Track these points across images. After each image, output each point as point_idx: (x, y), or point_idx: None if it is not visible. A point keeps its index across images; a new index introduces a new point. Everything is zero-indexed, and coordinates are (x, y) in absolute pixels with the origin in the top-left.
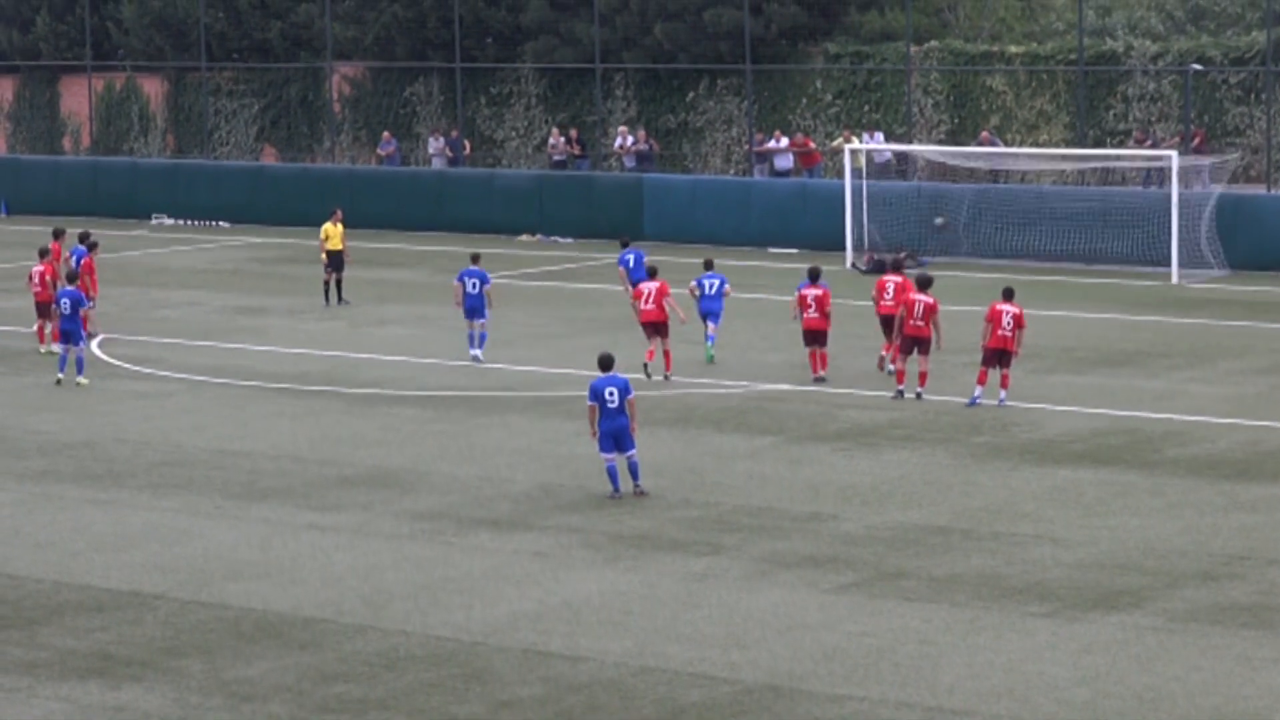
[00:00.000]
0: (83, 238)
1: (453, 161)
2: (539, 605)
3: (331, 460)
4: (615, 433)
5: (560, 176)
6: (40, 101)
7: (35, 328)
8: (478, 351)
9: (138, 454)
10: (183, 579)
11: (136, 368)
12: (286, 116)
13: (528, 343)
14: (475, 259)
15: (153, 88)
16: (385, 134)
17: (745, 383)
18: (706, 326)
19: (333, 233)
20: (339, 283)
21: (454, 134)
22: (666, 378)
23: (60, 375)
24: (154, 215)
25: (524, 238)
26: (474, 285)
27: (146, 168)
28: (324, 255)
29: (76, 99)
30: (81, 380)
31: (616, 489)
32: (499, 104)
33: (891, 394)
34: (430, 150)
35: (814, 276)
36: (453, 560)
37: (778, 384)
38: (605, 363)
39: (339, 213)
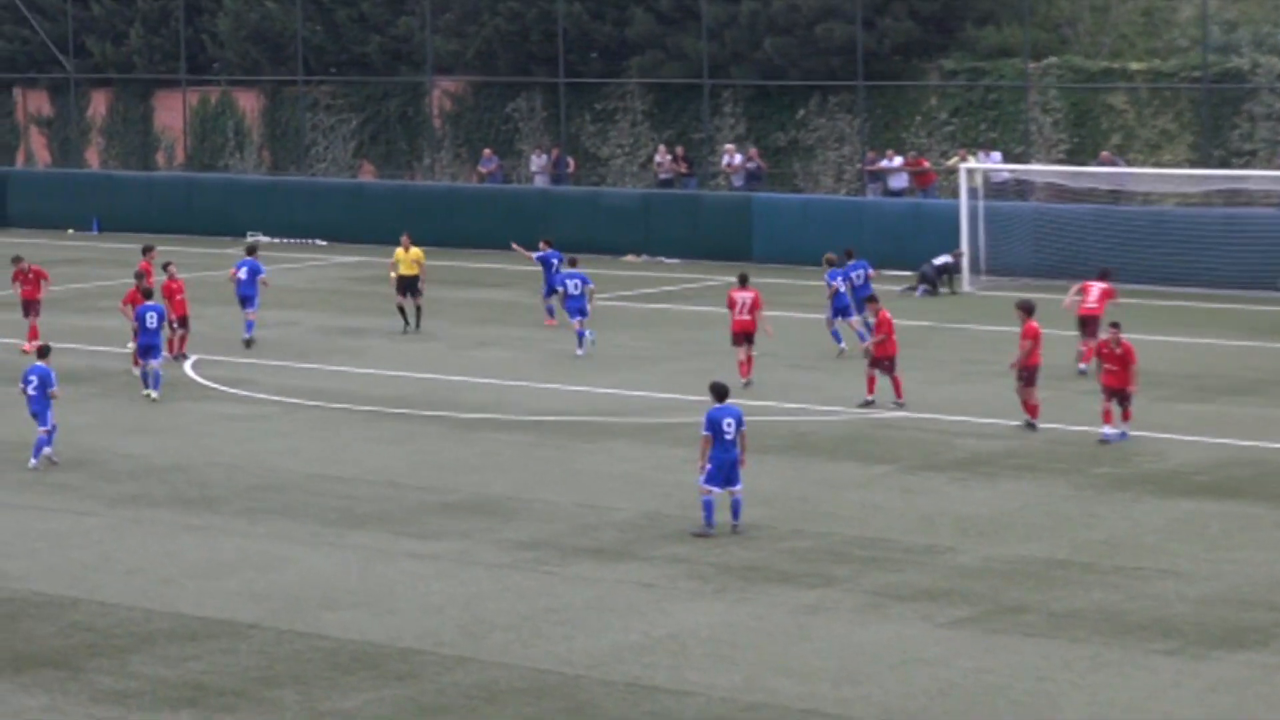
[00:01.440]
0: (251, 249)
1: (556, 179)
2: (644, 637)
3: (431, 486)
4: (727, 466)
5: (666, 195)
6: (134, 116)
7: (131, 349)
8: (583, 350)
9: (231, 478)
10: (277, 607)
11: (231, 389)
12: (385, 132)
13: (632, 366)
14: (573, 262)
15: (248, 102)
16: (486, 151)
17: (858, 409)
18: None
19: (403, 258)
20: (417, 309)
21: (557, 151)
22: (746, 384)
23: (146, 391)
24: (249, 233)
25: (629, 258)
26: (576, 286)
27: (242, 184)
28: (393, 278)
29: (171, 113)
30: (153, 394)
31: (710, 525)
32: (604, 120)
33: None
34: (533, 168)
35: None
36: (555, 590)
37: (892, 410)
38: (721, 392)
39: (407, 237)
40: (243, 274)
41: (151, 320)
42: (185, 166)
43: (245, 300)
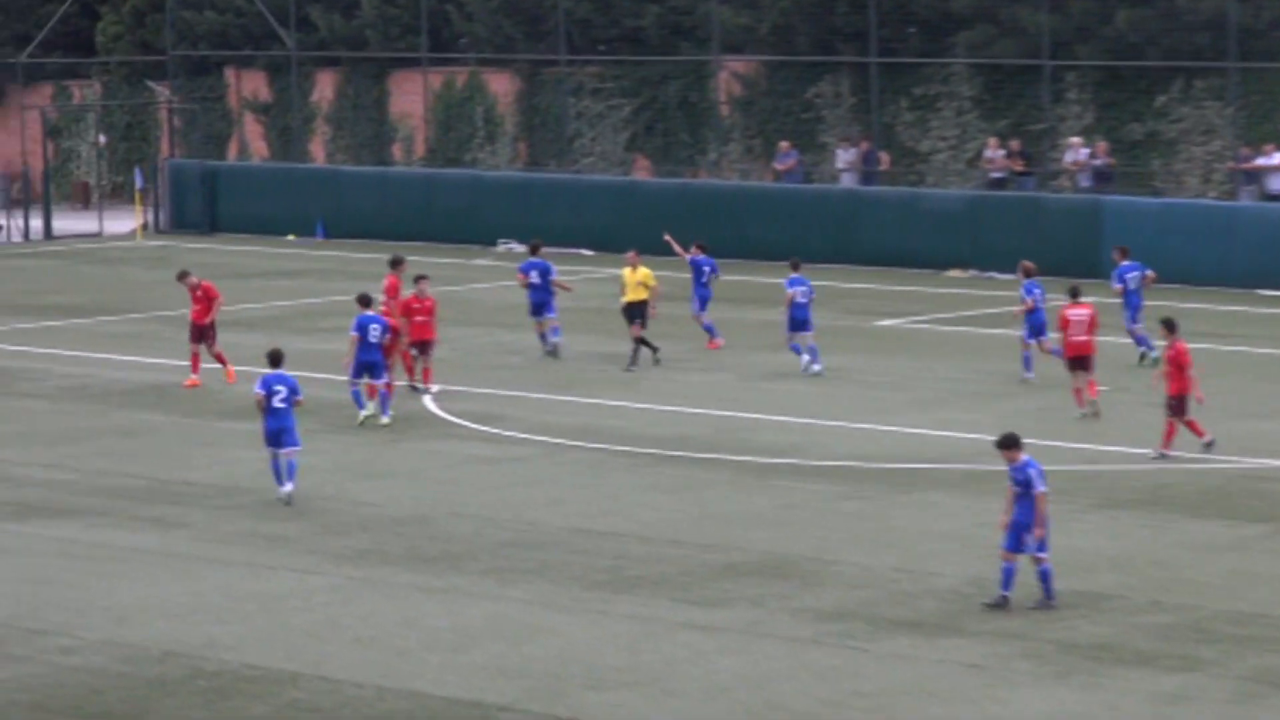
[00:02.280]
0: (534, 248)
1: (866, 178)
2: None
3: (716, 544)
4: (1022, 528)
5: (998, 198)
6: (366, 101)
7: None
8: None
9: (480, 532)
10: (533, 686)
11: (480, 426)
12: (663, 121)
13: (957, 403)
14: (795, 266)
15: (501, 85)
16: (783, 144)
17: (1230, 457)
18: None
19: (629, 280)
20: (639, 343)
21: (867, 144)
22: (1091, 413)
23: (363, 414)
24: (500, 240)
25: (953, 273)
26: (803, 295)
27: (493, 182)
28: (624, 306)
29: (409, 98)
30: (384, 419)
31: (1005, 594)
32: (923, 108)
33: None
34: (839, 164)
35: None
36: (864, 670)
37: (1271, 459)
38: (1010, 442)
39: (635, 254)
40: (534, 277)
41: (374, 333)
42: (425, 161)
43: (539, 307)
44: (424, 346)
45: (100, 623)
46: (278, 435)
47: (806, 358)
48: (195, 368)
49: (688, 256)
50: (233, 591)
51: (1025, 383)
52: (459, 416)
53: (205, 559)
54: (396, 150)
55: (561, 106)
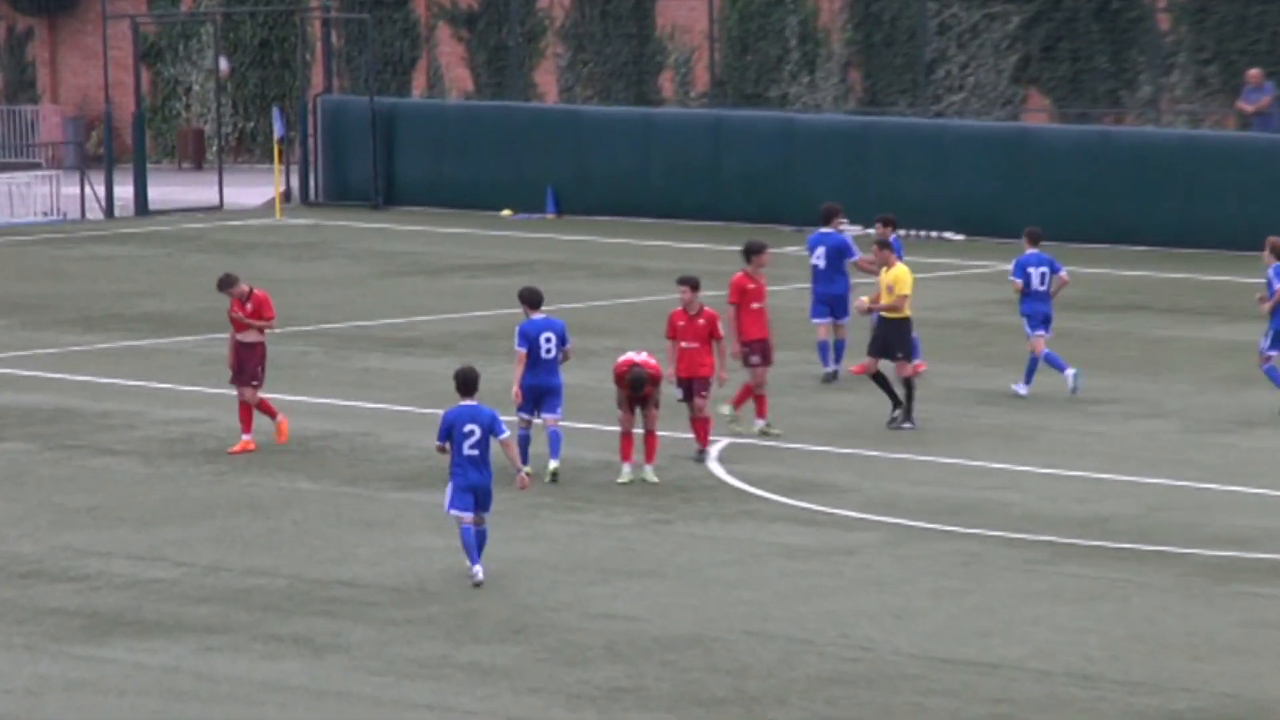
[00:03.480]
0: (827, 215)
1: None
2: None
3: (1149, 681)
4: None
5: None
6: (620, 10)
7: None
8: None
9: (789, 661)
10: None
11: (791, 500)
12: (1069, 39)
13: None
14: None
15: None
16: (1253, 73)
17: None
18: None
19: (882, 281)
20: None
21: None
22: None
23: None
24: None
25: None
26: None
27: (811, 130)
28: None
29: (685, 5)
30: (551, 464)
31: None
32: None
33: None
34: None
35: None
36: None
37: None
38: None
39: (881, 250)
40: (818, 258)
41: (546, 346)
42: (710, 99)
43: (830, 304)
44: (762, 351)
45: None
46: (475, 495)
47: (1072, 372)
48: (247, 423)
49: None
50: None
51: None
52: (758, 484)
53: (372, 698)
54: (666, 83)
55: (916, 16)
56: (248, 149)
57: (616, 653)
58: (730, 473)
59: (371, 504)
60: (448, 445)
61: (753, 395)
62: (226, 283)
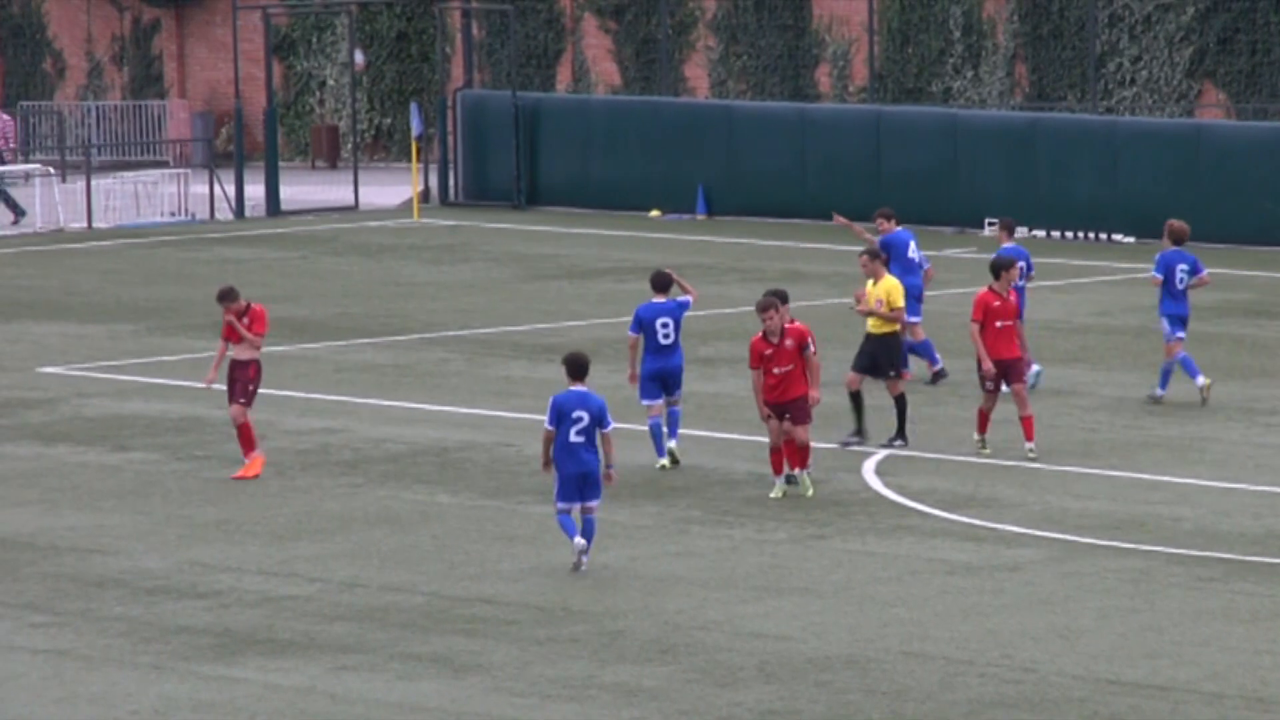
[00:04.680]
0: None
1: None
2: None
3: None
4: None
5: None
6: (775, 0)
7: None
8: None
9: (950, 683)
10: None
11: (952, 515)
12: (1248, 31)
13: None
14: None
15: None
16: None
17: None
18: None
19: (872, 294)
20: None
21: None
22: None
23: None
24: (991, 222)
25: None
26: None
27: (976, 126)
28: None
29: None
30: (666, 457)
31: None
32: None
33: None
34: None
35: None
36: None
37: None
38: None
39: (871, 259)
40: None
41: (664, 332)
42: (869, 94)
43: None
44: (1013, 370)
45: None
46: (578, 484)
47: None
48: (248, 444)
49: (879, 237)
50: None
51: None
52: (917, 498)
53: None
54: (823, 77)
55: (1086, 7)
56: (384, 147)
57: (769, 674)
58: (888, 485)
59: (513, 517)
60: (555, 430)
61: (983, 416)
62: (226, 296)
